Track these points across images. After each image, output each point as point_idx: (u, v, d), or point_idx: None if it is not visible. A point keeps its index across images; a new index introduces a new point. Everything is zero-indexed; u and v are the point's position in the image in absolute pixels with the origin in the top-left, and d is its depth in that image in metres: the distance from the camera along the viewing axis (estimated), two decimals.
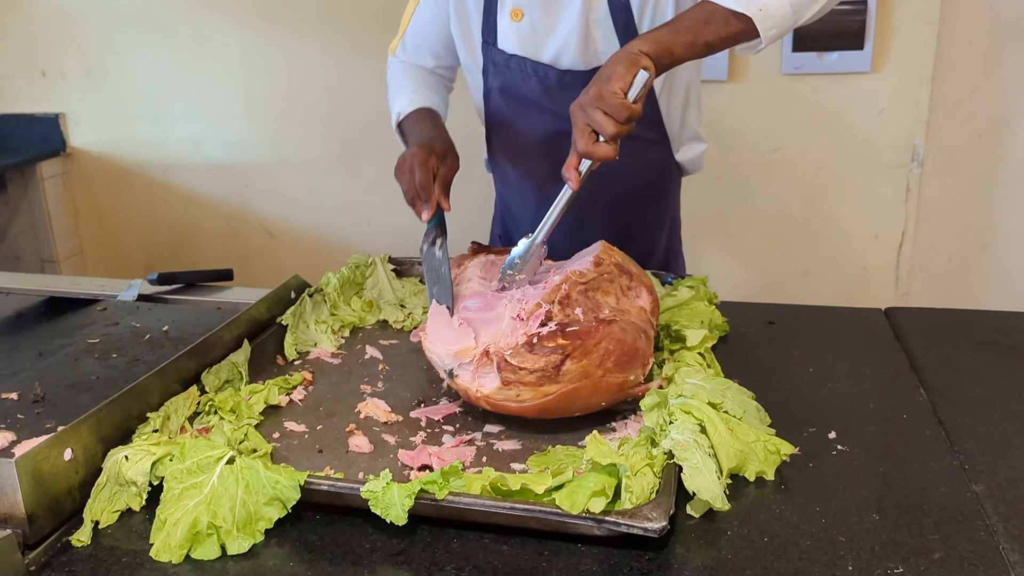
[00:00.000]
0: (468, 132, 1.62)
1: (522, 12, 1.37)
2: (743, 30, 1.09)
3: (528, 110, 1.44)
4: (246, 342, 1.18)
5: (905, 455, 0.98)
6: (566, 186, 1.10)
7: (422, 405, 1.11)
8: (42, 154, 2.81)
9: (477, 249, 1.39)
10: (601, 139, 1.06)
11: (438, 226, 1.27)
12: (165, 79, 2.79)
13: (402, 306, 1.42)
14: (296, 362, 1.24)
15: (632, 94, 1.05)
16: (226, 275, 1.62)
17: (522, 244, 1.15)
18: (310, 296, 1.36)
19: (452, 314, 1.12)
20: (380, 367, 1.22)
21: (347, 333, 1.34)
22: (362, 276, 1.46)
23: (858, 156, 2.47)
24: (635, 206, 1.53)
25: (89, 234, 3.00)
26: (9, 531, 0.81)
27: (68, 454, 0.87)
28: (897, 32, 2.33)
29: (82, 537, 0.85)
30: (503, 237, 1.69)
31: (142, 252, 3.00)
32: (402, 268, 1.52)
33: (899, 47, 2.34)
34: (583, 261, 1.15)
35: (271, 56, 2.71)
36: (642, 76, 1.05)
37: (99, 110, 2.86)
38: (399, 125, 1.50)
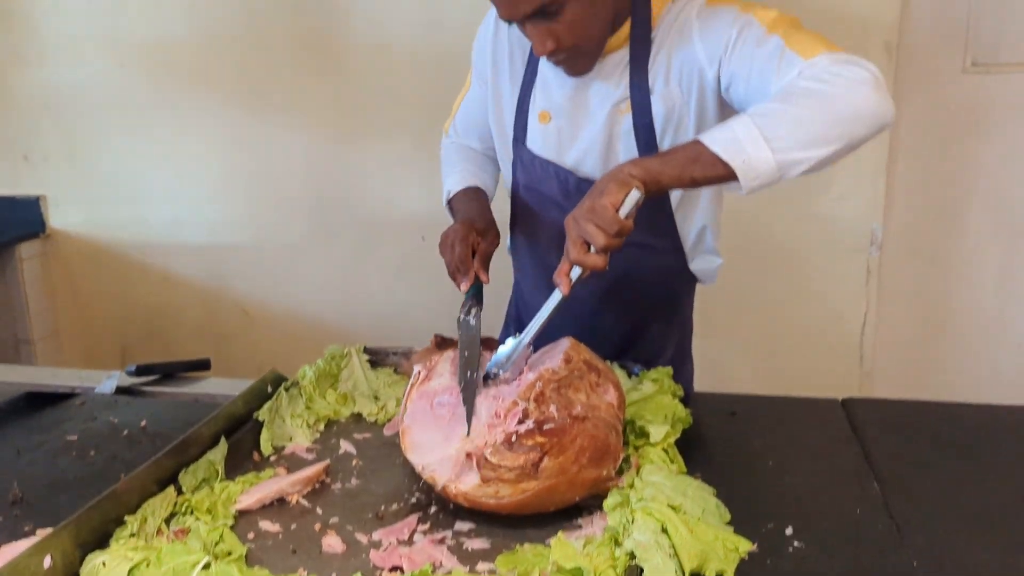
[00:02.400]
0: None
1: (550, 116, 1.45)
2: (727, 175, 1.14)
3: (548, 207, 1.52)
4: (223, 439, 1.21)
5: (857, 553, 1.03)
6: (556, 290, 1.17)
7: (394, 504, 1.14)
8: (21, 236, 2.84)
9: (440, 342, 1.44)
10: (592, 250, 1.12)
11: (475, 297, 1.36)
12: (146, 161, 2.84)
13: (376, 398, 1.46)
14: (272, 457, 1.27)
15: (623, 211, 1.12)
16: (204, 365, 1.65)
17: (509, 343, 1.21)
18: (286, 390, 1.39)
19: (478, 386, 1.17)
20: (354, 462, 1.25)
21: (322, 427, 1.37)
22: (337, 368, 1.50)
23: (820, 240, 2.56)
24: (646, 309, 1.59)
25: (65, 314, 3.01)
26: None
27: (47, 562, 0.89)
28: None
29: None
30: (516, 319, 1.76)
31: (118, 332, 3.01)
32: (377, 358, 1.56)
33: None
34: (553, 358, 1.20)
35: (252, 139, 2.78)
36: (634, 195, 1.12)
37: (80, 192, 2.91)
38: (449, 202, 1.60)
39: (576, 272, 1.15)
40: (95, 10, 2.74)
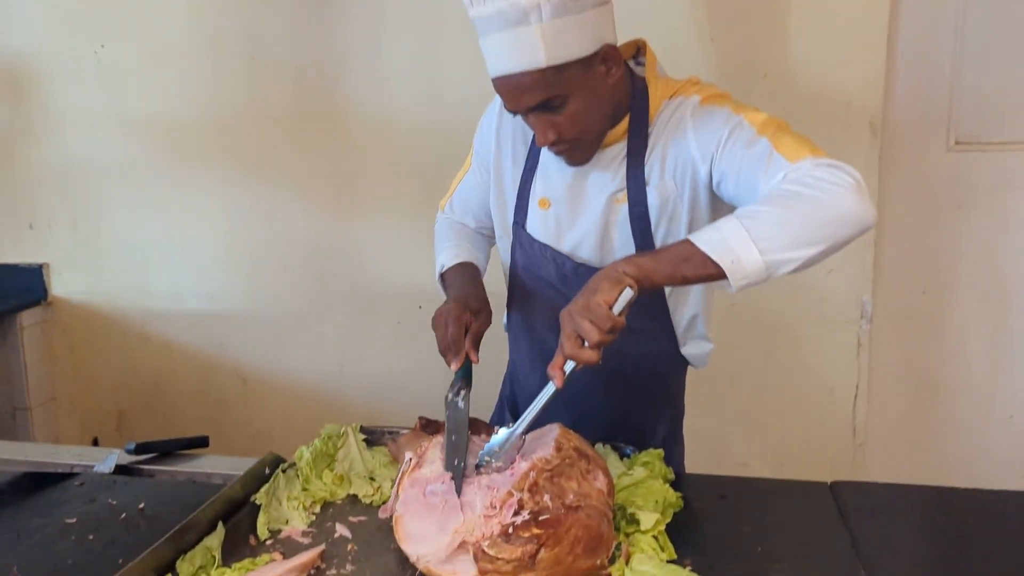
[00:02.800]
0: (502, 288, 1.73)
1: (549, 202, 1.51)
2: (717, 274, 1.19)
3: (544, 289, 1.57)
4: (220, 525, 1.23)
5: None
6: (550, 383, 1.20)
7: None
8: (23, 304, 2.88)
9: (425, 424, 1.47)
10: (586, 344, 1.16)
11: (464, 378, 1.38)
12: (149, 232, 2.90)
13: (372, 479, 1.48)
14: (268, 541, 1.28)
15: (617, 308, 1.16)
16: (202, 442, 1.67)
17: (502, 433, 1.24)
18: (283, 472, 1.41)
19: (464, 473, 1.20)
20: (349, 547, 1.27)
21: (318, 509, 1.38)
22: (334, 447, 1.52)
23: (810, 312, 2.60)
24: (638, 392, 1.62)
25: (63, 381, 3.03)
26: None
27: None
28: None
29: None
30: (510, 399, 1.79)
31: (116, 399, 3.02)
32: (373, 437, 1.58)
33: None
34: (545, 446, 1.23)
35: (253, 210, 2.84)
36: (627, 293, 1.17)
37: (83, 261, 2.95)
38: (442, 276, 1.64)
39: (570, 366, 1.18)
40: (102, 86, 2.83)
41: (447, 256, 1.64)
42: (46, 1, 2.82)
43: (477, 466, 1.23)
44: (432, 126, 2.65)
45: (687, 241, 1.22)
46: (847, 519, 1.35)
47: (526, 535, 1.07)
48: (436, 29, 2.63)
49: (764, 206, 1.22)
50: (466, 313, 1.44)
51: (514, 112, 1.38)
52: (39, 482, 1.48)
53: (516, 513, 1.08)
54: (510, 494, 1.11)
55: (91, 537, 1.28)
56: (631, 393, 1.62)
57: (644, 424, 1.65)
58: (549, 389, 1.20)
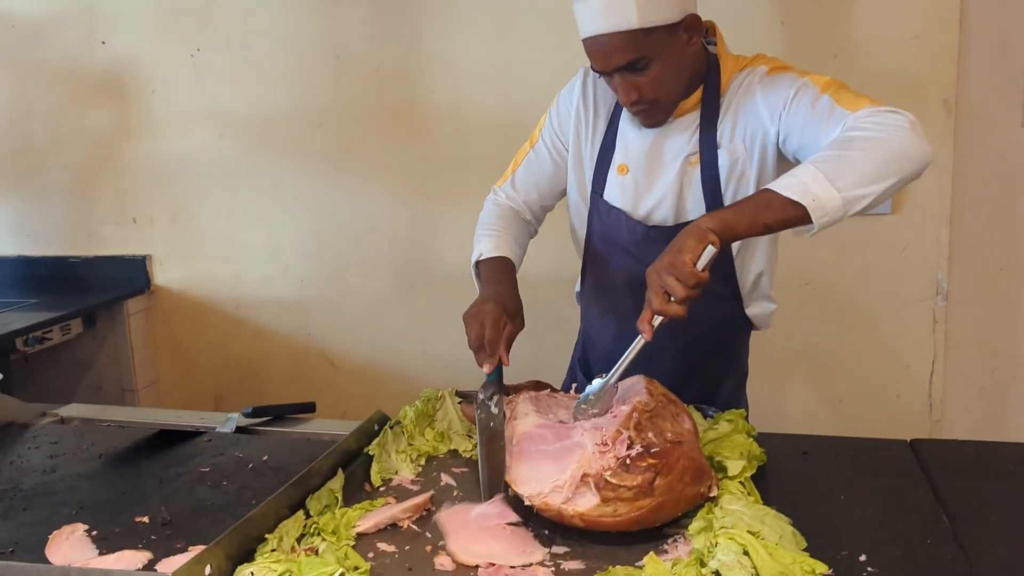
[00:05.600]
0: (561, 261, 1.79)
1: (627, 168, 1.61)
2: (798, 216, 1.28)
3: (619, 255, 1.66)
4: (340, 471, 1.35)
5: None
6: (639, 336, 1.29)
7: None
8: (129, 292, 3.09)
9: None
10: (672, 300, 1.25)
11: (497, 381, 1.42)
12: (243, 224, 3.08)
13: (469, 436, 1.59)
14: (381, 488, 1.40)
15: (700, 264, 1.25)
16: (309, 408, 1.80)
17: (596, 383, 1.34)
18: (390, 428, 1.53)
19: (501, 486, 1.27)
20: (455, 493, 1.38)
21: (423, 461, 1.50)
22: (433, 409, 1.63)
23: (884, 290, 2.63)
24: (702, 353, 1.70)
25: (165, 365, 3.23)
26: None
27: (208, 570, 1.04)
28: None
29: None
30: (582, 361, 1.88)
31: (213, 382, 3.21)
32: (466, 400, 1.68)
33: (916, 190, 2.53)
34: (636, 392, 1.33)
35: (338, 202, 2.99)
36: (709, 250, 1.26)
37: (182, 252, 3.15)
38: (477, 263, 1.68)
39: (657, 320, 1.27)
40: (198, 87, 3.02)
41: (487, 245, 1.66)
42: (146, 10, 3.02)
43: (574, 413, 1.33)
44: (504, 120, 2.76)
45: (766, 190, 1.31)
46: (928, 472, 1.40)
47: (643, 464, 1.17)
48: (509, 27, 2.75)
49: (833, 151, 1.32)
50: (504, 316, 1.47)
51: (601, 72, 1.49)
52: (171, 439, 1.63)
53: (629, 447, 1.18)
54: (619, 432, 1.21)
55: (224, 483, 1.42)
56: (698, 355, 1.70)
57: (707, 385, 1.72)
58: (639, 342, 1.30)
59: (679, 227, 1.49)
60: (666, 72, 1.46)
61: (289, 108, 2.96)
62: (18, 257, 3.31)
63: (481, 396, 1.38)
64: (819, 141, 1.39)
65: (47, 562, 1.17)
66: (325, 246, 3.04)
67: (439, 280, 2.97)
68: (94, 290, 3.09)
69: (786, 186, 1.28)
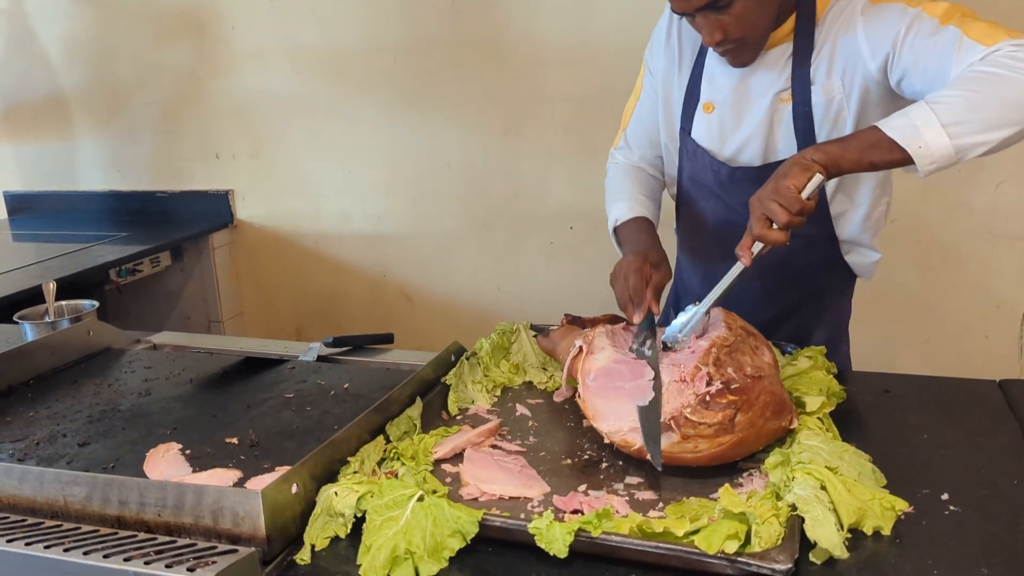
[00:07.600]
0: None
1: (713, 106, 1.55)
2: (905, 158, 1.21)
3: (706, 196, 1.62)
4: (419, 399, 1.39)
5: (1014, 518, 1.07)
6: (738, 263, 1.27)
7: (569, 460, 1.27)
8: (213, 226, 3.19)
9: (571, 320, 1.57)
10: (775, 226, 1.22)
11: (648, 328, 1.39)
12: (321, 160, 3.13)
13: (544, 369, 1.60)
14: (458, 417, 1.43)
15: (806, 192, 1.21)
16: (387, 339, 1.84)
17: (689, 310, 1.32)
18: (467, 359, 1.56)
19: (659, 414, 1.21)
20: (530, 423, 1.40)
21: (499, 392, 1.52)
22: (508, 342, 1.65)
23: (976, 228, 2.52)
24: (795, 296, 1.66)
25: (248, 297, 3.34)
26: (253, 549, 1.02)
27: (294, 488, 1.08)
28: None
29: (304, 557, 1.05)
30: (675, 302, 1.86)
31: (293, 313, 3.32)
32: (542, 333, 1.70)
33: None
34: (715, 326, 1.31)
35: (413, 137, 3.00)
36: (816, 178, 1.22)
37: (263, 187, 3.23)
38: (615, 230, 1.64)
39: (757, 247, 1.25)
40: (277, 24, 3.04)
41: (621, 209, 1.63)
42: None
43: (664, 342, 1.32)
44: (582, 53, 2.71)
45: (874, 127, 1.24)
46: (1017, 413, 1.36)
47: (723, 401, 1.16)
48: None
49: (955, 90, 1.21)
50: (646, 265, 1.45)
51: (682, 14, 1.41)
52: (257, 367, 1.69)
53: (708, 384, 1.17)
54: (698, 368, 1.20)
55: (308, 408, 1.47)
56: (787, 298, 1.66)
57: (800, 329, 1.68)
58: (736, 268, 1.27)
59: (768, 168, 1.44)
60: (751, 8, 1.36)
61: (364, 43, 2.97)
62: (109, 192, 3.44)
63: (634, 344, 1.38)
64: (947, 79, 1.27)
65: (146, 477, 1.24)
66: (401, 181, 3.07)
67: (514, 216, 2.98)
68: (181, 224, 3.20)
69: (895, 127, 1.21)
